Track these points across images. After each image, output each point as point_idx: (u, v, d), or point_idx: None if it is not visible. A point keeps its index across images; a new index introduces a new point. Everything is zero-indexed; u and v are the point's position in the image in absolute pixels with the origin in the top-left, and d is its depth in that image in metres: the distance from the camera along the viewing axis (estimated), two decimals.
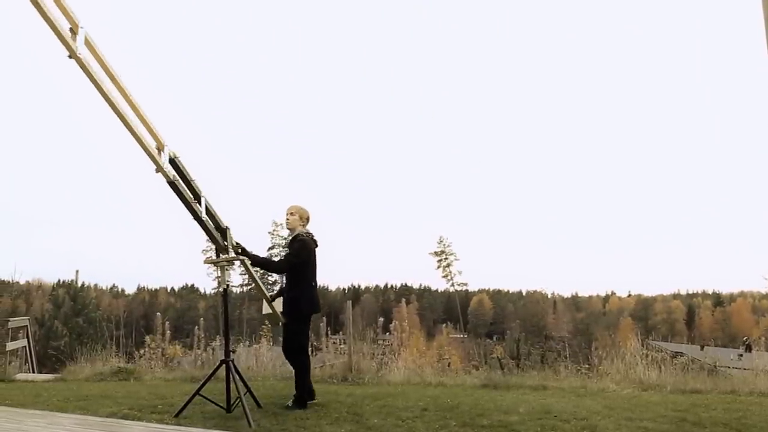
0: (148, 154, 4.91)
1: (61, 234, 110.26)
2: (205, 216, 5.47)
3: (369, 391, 7.33)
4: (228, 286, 5.89)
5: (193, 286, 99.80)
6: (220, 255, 5.76)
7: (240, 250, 5.84)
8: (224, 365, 5.64)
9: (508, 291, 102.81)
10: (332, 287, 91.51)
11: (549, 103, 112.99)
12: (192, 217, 5.39)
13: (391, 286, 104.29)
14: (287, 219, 6.31)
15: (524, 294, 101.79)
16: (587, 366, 9.25)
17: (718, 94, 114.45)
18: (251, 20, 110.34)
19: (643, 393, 7.35)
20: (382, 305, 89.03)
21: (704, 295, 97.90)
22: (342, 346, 10.68)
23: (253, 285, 6.96)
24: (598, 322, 79.55)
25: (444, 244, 68.99)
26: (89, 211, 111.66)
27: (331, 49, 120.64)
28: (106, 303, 75.18)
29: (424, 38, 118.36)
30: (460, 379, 8.80)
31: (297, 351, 6.03)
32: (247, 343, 11.97)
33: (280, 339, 11.58)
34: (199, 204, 5.45)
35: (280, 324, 6.41)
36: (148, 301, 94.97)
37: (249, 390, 5.92)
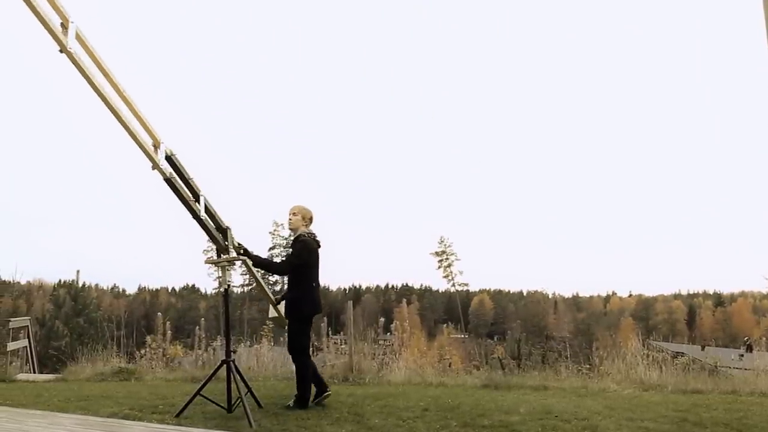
0: (143, 150, 4.91)
1: (62, 234, 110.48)
2: (204, 215, 5.46)
3: (370, 392, 7.33)
4: (229, 286, 5.88)
5: (194, 286, 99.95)
6: (221, 255, 5.76)
7: (242, 251, 5.85)
8: (225, 365, 5.64)
9: (509, 291, 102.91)
10: (333, 287, 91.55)
11: (549, 103, 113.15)
12: (191, 217, 5.39)
13: (392, 287, 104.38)
14: (290, 219, 6.26)
15: (525, 294, 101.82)
16: (588, 366, 9.25)
17: (718, 94, 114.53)
18: (251, 20, 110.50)
19: (644, 393, 7.35)
20: (383, 305, 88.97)
21: (705, 295, 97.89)
22: (343, 346, 10.67)
23: (258, 287, 6.95)
24: (598, 322, 79.47)
25: (445, 244, 68.82)
26: (90, 212, 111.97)
27: (331, 49, 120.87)
28: (107, 303, 75.19)
29: (424, 38, 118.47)
30: (461, 380, 8.80)
31: (298, 351, 6.03)
32: (248, 343, 11.97)
33: (281, 339, 11.60)
34: (198, 203, 5.45)
35: (286, 327, 6.40)
36: (149, 301, 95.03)
37: (250, 390, 5.92)
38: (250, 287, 68.16)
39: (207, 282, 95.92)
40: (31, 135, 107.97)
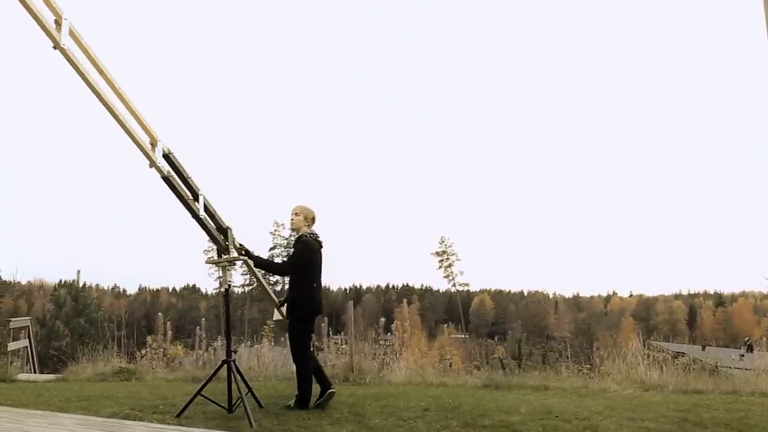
0: (140, 148, 4.91)
1: (63, 234, 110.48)
2: (204, 214, 5.45)
3: (370, 392, 7.33)
4: (230, 286, 5.88)
5: (194, 286, 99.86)
6: (222, 255, 5.76)
7: (243, 252, 5.85)
8: (226, 365, 5.64)
9: (510, 291, 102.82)
10: (334, 287, 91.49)
11: (549, 103, 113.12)
12: (190, 216, 5.39)
13: (393, 287, 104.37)
14: (292, 219, 6.24)
15: (526, 294, 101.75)
16: (589, 366, 9.25)
17: (718, 94, 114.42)
18: (251, 20, 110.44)
19: (644, 393, 7.35)
20: (383, 305, 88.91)
21: (706, 295, 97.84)
22: (343, 346, 10.67)
23: (261, 290, 6.94)
24: (599, 323, 79.44)
25: (445, 245, 68.73)
26: (91, 212, 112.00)
27: (331, 49, 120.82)
28: (107, 303, 75.20)
29: (424, 38, 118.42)
30: (462, 380, 8.81)
31: (299, 352, 6.02)
32: (249, 343, 11.97)
33: (282, 340, 11.59)
34: (197, 202, 5.45)
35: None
36: (149, 302, 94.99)
37: (250, 390, 5.92)
38: (250, 287, 68.21)
39: (208, 282, 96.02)
40: (32, 135, 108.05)
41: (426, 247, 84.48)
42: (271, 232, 66.90)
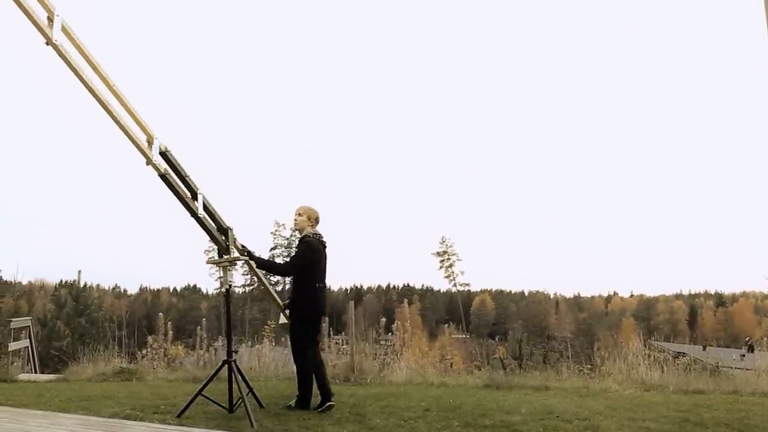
0: (136, 146, 4.91)
1: (64, 234, 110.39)
2: (203, 213, 5.44)
3: (371, 392, 7.33)
4: (230, 286, 5.88)
5: (195, 286, 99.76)
6: (223, 255, 5.76)
7: (245, 253, 5.84)
8: (226, 365, 5.64)
9: (511, 291, 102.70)
10: (334, 287, 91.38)
11: (549, 103, 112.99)
12: (189, 215, 5.38)
13: (394, 287, 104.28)
14: (295, 220, 6.21)
15: (526, 294, 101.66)
16: (589, 366, 9.25)
17: (718, 94, 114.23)
18: (251, 20, 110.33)
19: (645, 393, 7.35)
20: (384, 305, 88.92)
21: (706, 296, 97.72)
22: (344, 346, 10.67)
23: (265, 292, 6.93)
24: (600, 323, 79.45)
25: (446, 245, 68.80)
26: (91, 212, 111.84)
27: (331, 49, 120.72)
28: (108, 303, 75.25)
29: (424, 38, 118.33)
30: (463, 380, 8.81)
31: (300, 352, 6.01)
32: (250, 343, 11.98)
33: (283, 340, 11.58)
34: (196, 201, 5.44)
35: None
36: (150, 302, 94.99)
37: (251, 390, 5.93)
38: (251, 287, 68.26)
39: (208, 282, 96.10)
40: (31, 134, 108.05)
41: (427, 247, 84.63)
42: (272, 233, 67.03)
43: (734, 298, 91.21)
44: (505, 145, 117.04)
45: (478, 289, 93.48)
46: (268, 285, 6.66)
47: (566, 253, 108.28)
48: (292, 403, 5.98)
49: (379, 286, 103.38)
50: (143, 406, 6.02)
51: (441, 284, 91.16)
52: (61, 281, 69.68)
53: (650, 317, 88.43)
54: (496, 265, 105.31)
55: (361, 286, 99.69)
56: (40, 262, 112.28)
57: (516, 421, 5.29)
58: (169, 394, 7.05)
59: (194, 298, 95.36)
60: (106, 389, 7.84)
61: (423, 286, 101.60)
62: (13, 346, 11.00)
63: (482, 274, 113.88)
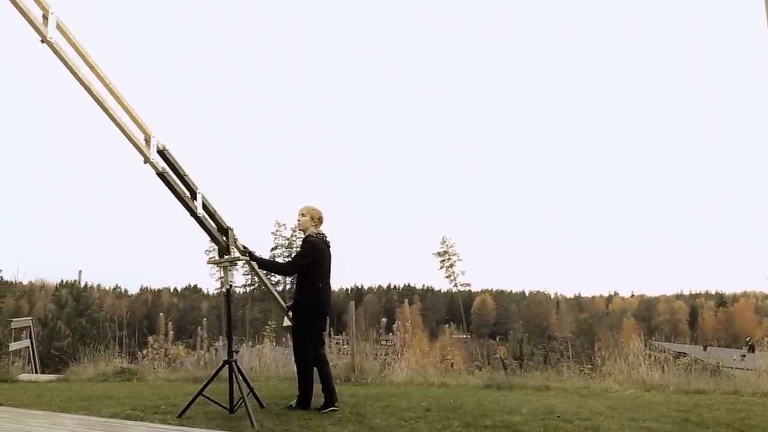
0: (133, 143, 4.91)
1: (64, 234, 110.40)
2: (202, 212, 5.44)
3: (372, 392, 7.33)
4: (231, 286, 5.88)
5: (196, 286, 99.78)
6: (223, 255, 5.76)
7: (247, 254, 5.84)
8: (227, 365, 5.64)
9: (511, 291, 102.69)
10: (335, 288, 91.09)
11: (549, 103, 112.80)
12: (188, 214, 5.38)
13: (394, 287, 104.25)
14: (298, 220, 6.21)
15: (527, 294, 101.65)
16: (590, 366, 9.25)
17: (718, 94, 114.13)
18: (251, 20, 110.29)
19: (646, 393, 7.35)
20: (385, 305, 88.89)
21: (707, 296, 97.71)
22: (345, 346, 10.68)
23: (269, 294, 6.92)
24: (601, 323, 79.45)
25: (447, 245, 69.03)
26: (92, 212, 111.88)
27: (331, 49, 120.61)
28: (109, 303, 75.22)
29: (424, 38, 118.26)
30: (463, 380, 8.81)
31: (301, 352, 6.00)
32: (250, 343, 11.99)
33: (283, 340, 11.59)
34: (195, 200, 5.44)
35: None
36: (151, 302, 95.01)
37: (252, 390, 5.92)
38: (252, 287, 68.31)
39: (209, 282, 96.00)
40: (33, 135, 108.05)
41: (427, 248, 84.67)
42: (272, 233, 67.03)
43: (735, 298, 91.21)
44: (505, 145, 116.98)
45: (479, 289, 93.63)
46: (270, 286, 6.65)
47: (567, 253, 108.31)
48: (293, 403, 5.98)
49: (379, 286, 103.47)
50: (144, 406, 6.02)
51: (442, 284, 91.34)
52: (62, 281, 69.63)
53: (651, 317, 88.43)
54: (497, 265, 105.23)
55: (362, 286, 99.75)
56: (40, 262, 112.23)
57: (517, 421, 5.29)
58: (170, 394, 7.06)
59: (195, 298, 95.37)
60: (106, 389, 7.85)
61: (424, 286, 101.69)
62: (13, 346, 11.01)
63: (483, 274, 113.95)
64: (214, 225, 5.61)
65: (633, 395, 7.17)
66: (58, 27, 4.36)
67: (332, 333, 11.73)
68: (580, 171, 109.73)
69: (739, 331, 72.67)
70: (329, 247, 6.16)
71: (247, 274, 57.73)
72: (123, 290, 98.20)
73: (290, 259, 6.54)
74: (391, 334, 12.36)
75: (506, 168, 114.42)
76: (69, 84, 4.43)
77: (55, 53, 4.31)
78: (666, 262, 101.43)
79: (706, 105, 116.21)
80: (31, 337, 12.92)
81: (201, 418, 5.42)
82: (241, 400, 5.40)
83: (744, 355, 19.16)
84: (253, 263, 6.01)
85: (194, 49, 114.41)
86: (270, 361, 10.13)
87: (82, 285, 37.81)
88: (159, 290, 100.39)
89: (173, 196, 5.24)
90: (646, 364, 8.48)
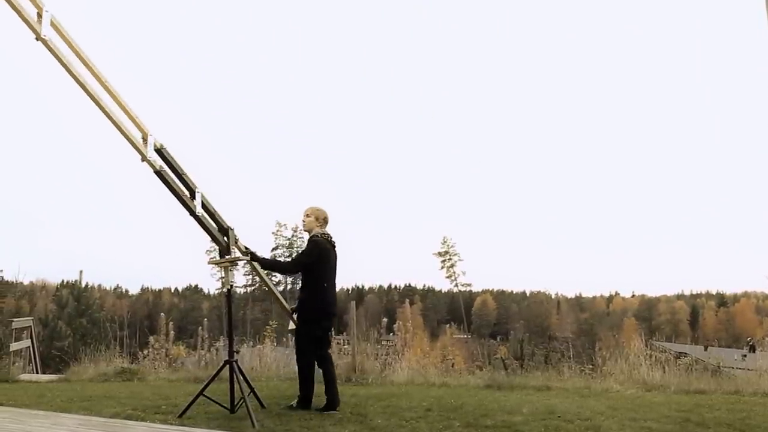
0: (130, 141, 4.90)
1: (65, 234, 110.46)
2: (201, 211, 5.42)
3: (373, 392, 7.33)
4: (232, 286, 5.88)
5: (196, 286, 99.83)
6: (224, 256, 5.75)
7: (249, 255, 5.84)
8: (228, 366, 5.64)
9: (512, 291, 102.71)
10: (336, 288, 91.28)
11: (549, 103, 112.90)
12: (188, 213, 5.37)
13: (395, 287, 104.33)
14: (303, 221, 6.19)
15: (528, 294, 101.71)
16: (591, 366, 9.25)
17: (718, 94, 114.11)
18: (251, 20, 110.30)
19: (646, 393, 7.35)
20: (385, 306, 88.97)
21: (708, 296, 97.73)
22: (346, 346, 10.68)
23: (272, 297, 6.91)
24: (601, 323, 79.47)
25: (447, 245, 68.80)
26: (93, 212, 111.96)
27: (331, 49, 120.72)
28: (109, 303, 75.31)
29: (424, 38, 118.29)
30: (464, 380, 8.81)
31: (302, 352, 5.99)
32: (251, 343, 11.98)
33: (284, 340, 11.59)
34: (194, 199, 5.43)
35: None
36: (151, 302, 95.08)
37: (253, 390, 5.92)
38: (253, 288, 68.30)
39: (210, 282, 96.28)
40: (33, 134, 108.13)
41: (428, 248, 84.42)
42: (273, 233, 66.98)
43: (735, 298, 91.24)
44: (505, 145, 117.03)
45: (480, 290, 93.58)
46: (272, 286, 6.65)
47: (567, 253, 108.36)
48: (294, 403, 5.98)
49: (380, 287, 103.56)
50: (145, 407, 6.02)
51: (442, 284, 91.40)
52: (63, 281, 69.64)
53: (652, 317, 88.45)
54: (498, 266, 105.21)
55: (363, 286, 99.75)
56: (41, 262, 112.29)
57: (517, 421, 5.29)
58: (171, 394, 7.05)
59: (196, 299, 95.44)
60: (107, 389, 7.85)
61: (424, 286, 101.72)
62: (14, 346, 11.02)
63: (484, 274, 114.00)
64: (214, 225, 5.59)
65: (634, 395, 7.17)
66: (53, 25, 4.37)
67: (333, 333, 11.73)
68: (580, 171, 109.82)
69: (739, 331, 72.68)
70: (334, 247, 6.14)
71: (248, 275, 57.78)
72: (124, 290, 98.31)
73: (292, 259, 6.52)
74: (391, 334, 12.36)
75: (506, 168, 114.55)
76: (67, 83, 4.44)
77: (49, 50, 4.32)
78: (666, 262, 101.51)
79: (706, 105, 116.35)
80: (31, 338, 12.93)
81: (202, 418, 5.42)
82: (242, 401, 5.40)
83: (745, 355, 19.14)
84: (255, 264, 6.01)
85: (194, 49, 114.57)
86: (271, 361, 10.12)
87: (83, 285, 37.84)
88: (160, 290, 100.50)
89: (172, 195, 5.23)
90: (647, 365, 8.47)
